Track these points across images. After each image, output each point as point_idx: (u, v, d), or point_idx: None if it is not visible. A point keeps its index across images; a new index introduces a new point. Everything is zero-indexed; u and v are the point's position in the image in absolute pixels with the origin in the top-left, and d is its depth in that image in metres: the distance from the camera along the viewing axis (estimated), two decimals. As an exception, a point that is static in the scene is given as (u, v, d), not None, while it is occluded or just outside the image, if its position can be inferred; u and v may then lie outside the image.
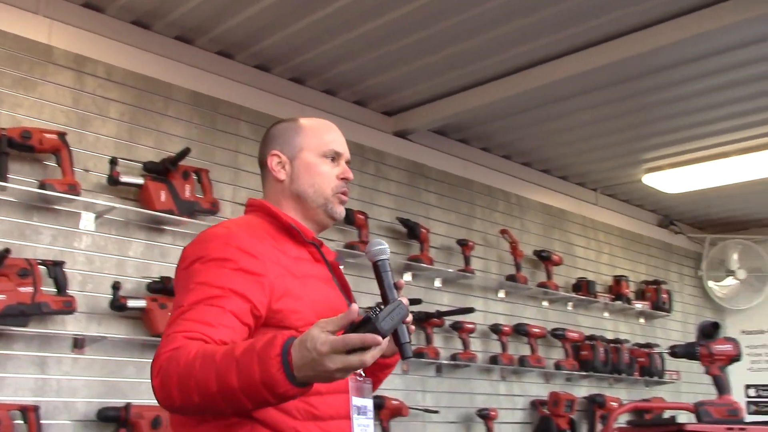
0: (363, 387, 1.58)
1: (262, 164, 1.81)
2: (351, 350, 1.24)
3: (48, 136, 2.99)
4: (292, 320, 1.53)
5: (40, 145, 2.96)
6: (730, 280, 6.61)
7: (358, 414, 1.54)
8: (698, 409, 2.90)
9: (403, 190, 4.44)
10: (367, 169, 4.27)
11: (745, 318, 6.72)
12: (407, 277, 4.29)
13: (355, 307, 1.27)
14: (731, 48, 3.53)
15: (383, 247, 1.62)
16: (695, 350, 2.93)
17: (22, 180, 2.97)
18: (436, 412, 4.11)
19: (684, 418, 3.72)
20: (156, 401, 1.39)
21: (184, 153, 3.29)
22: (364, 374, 1.59)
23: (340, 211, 1.75)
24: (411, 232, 4.28)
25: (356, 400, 1.54)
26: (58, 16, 3.21)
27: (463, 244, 4.54)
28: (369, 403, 1.58)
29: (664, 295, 6.00)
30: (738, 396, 6.58)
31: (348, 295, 1.74)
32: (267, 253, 1.57)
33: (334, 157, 1.76)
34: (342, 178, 1.75)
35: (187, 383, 1.33)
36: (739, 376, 6.58)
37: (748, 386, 6.67)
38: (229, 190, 3.65)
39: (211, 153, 3.61)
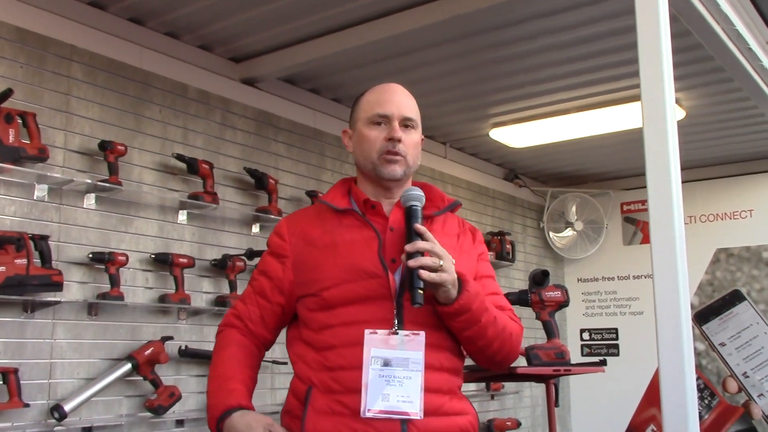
0: (399, 340, 1.70)
1: None
2: None
3: None
4: (313, 288, 1.79)
5: None
6: (568, 231, 6.98)
7: (383, 365, 1.67)
8: (528, 353, 3.05)
9: (250, 140, 4.33)
10: (212, 117, 4.13)
11: (581, 266, 7.15)
12: (255, 228, 4.22)
13: None
14: (573, 7, 3.65)
15: (413, 193, 1.78)
16: (527, 297, 3.07)
17: None
18: (284, 363, 4.09)
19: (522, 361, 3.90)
20: None
21: (6, 94, 3.04)
22: (398, 328, 1.71)
23: (387, 171, 1.85)
24: (259, 182, 4.19)
25: (377, 352, 1.68)
26: None
27: (312, 195, 4.50)
28: (410, 354, 1.69)
29: (508, 246, 6.25)
30: (574, 339, 7.06)
31: (388, 251, 1.81)
32: (297, 233, 1.87)
33: (381, 121, 1.88)
34: (388, 139, 1.85)
35: (212, 359, 1.93)
36: (574, 321, 7.04)
37: (582, 330, 7.12)
38: (61, 136, 3.41)
39: (39, 95, 3.35)
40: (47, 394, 3.20)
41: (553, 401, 3.23)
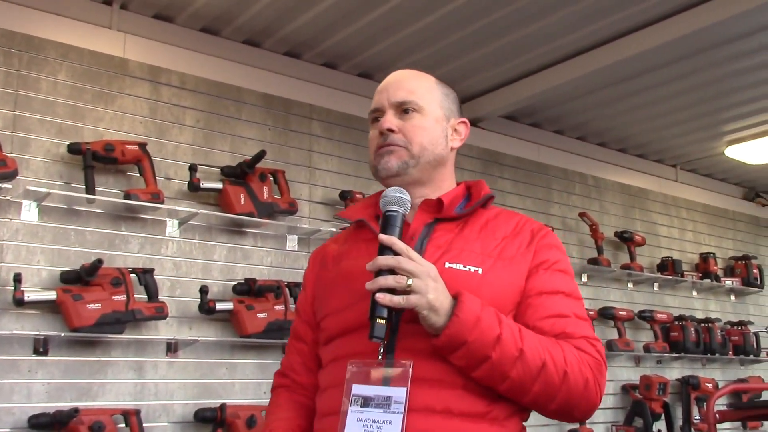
0: (383, 373, 1.31)
1: None
2: None
3: (129, 147, 3.08)
4: (318, 318, 1.52)
5: (122, 157, 3.05)
6: (824, 252, 6.32)
7: (363, 406, 1.30)
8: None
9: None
10: (440, 160, 4.24)
11: (842, 290, 6.41)
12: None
13: None
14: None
15: (390, 196, 1.39)
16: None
17: (108, 191, 3.07)
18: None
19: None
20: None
21: (260, 156, 3.33)
22: (387, 358, 1.33)
23: (381, 166, 1.49)
24: (488, 220, 4.21)
25: (359, 389, 1.32)
26: (130, 29, 3.30)
27: (540, 230, 4.46)
28: (393, 392, 1.29)
29: (755, 271, 5.77)
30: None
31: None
32: (319, 257, 1.61)
33: (376, 116, 1.55)
34: (380, 134, 1.50)
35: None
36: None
37: None
38: (306, 189, 3.68)
39: (285, 153, 3.64)
40: None
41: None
